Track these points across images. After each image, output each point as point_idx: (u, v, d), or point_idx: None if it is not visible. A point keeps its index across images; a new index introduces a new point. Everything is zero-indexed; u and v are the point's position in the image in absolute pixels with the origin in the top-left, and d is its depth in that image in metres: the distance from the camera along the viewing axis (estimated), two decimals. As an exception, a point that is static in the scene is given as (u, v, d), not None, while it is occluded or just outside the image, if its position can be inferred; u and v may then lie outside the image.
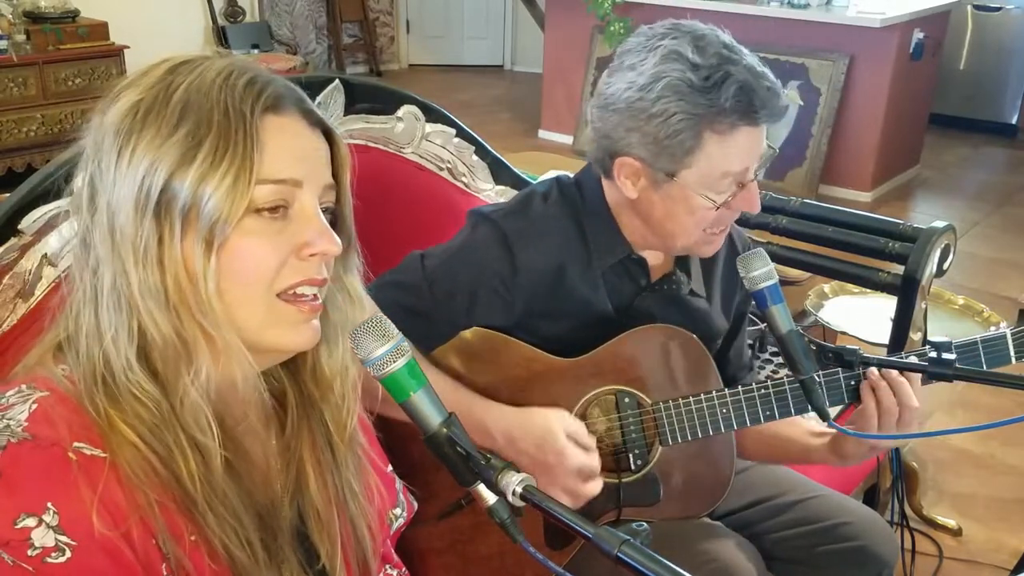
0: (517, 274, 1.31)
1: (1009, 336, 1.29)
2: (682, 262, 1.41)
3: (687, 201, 1.25)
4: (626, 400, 1.35)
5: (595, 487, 1.24)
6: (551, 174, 2.01)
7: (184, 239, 0.77)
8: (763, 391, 1.32)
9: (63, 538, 0.72)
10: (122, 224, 0.77)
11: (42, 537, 0.71)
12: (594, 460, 1.24)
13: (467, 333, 1.35)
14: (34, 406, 0.76)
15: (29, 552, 0.71)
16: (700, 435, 1.33)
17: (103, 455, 0.76)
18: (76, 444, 0.75)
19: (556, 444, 1.21)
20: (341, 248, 0.84)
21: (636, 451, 1.35)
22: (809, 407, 1.24)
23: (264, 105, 0.79)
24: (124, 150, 0.77)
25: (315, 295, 0.83)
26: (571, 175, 1.43)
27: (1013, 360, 1.30)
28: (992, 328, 2.48)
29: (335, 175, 0.86)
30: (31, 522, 0.71)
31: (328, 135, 0.86)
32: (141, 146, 0.76)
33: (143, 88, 0.78)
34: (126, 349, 0.77)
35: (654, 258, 1.38)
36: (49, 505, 0.72)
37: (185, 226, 0.76)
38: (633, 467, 1.35)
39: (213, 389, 0.81)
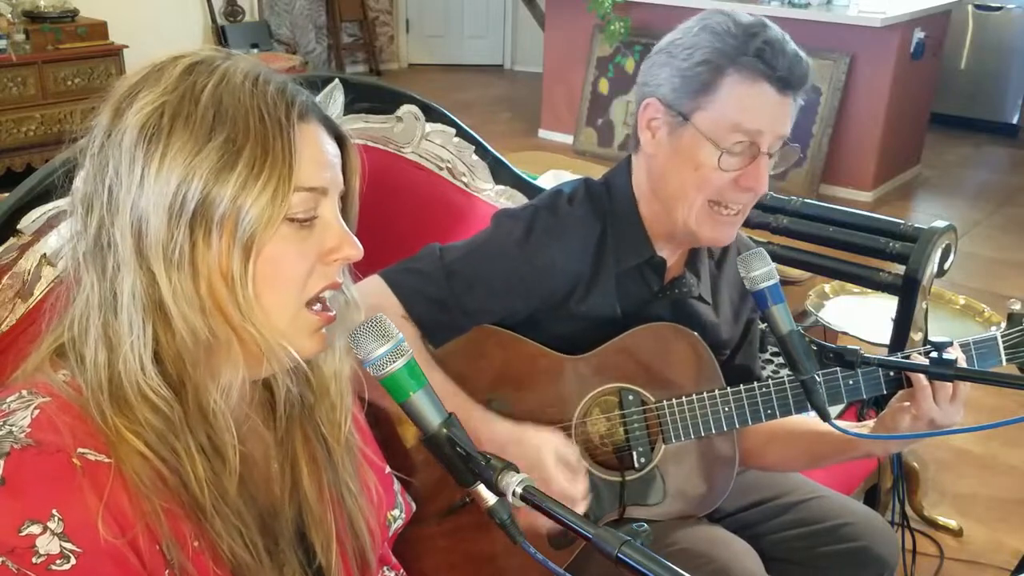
0: (537, 272, 1.31)
1: (999, 338, 1.30)
2: (692, 264, 1.41)
3: (695, 153, 1.25)
4: (630, 397, 1.35)
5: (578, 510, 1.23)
6: (551, 174, 2.02)
7: (220, 245, 0.76)
8: (764, 390, 1.33)
9: (68, 545, 0.71)
10: (152, 230, 0.75)
11: (47, 544, 0.71)
12: (578, 489, 1.21)
13: (474, 330, 1.35)
14: (36, 412, 0.75)
15: (34, 559, 0.70)
16: (703, 433, 1.34)
17: (108, 460, 0.75)
18: (80, 450, 0.75)
19: (544, 470, 1.19)
20: (362, 253, 0.84)
21: (640, 448, 1.35)
22: (809, 406, 1.24)
23: (297, 114, 0.80)
24: (152, 155, 0.75)
25: (328, 304, 0.84)
26: (595, 178, 1.42)
27: (1003, 362, 1.31)
28: (993, 328, 2.48)
29: (344, 180, 0.86)
30: (36, 529, 0.71)
31: (340, 141, 0.86)
32: (172, 151, 0.75)
33: (164, 89, 0.77)
34: (142, 354, 0.77)
35: (670, 257, 1.39)
36: (54, 512, 0.72)
37: (221, 232, 0.76)
38: (636, 465, 1.35)
39: (235, 393, 0.82)
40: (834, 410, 1.29)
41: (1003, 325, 2.52)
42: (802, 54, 1.25)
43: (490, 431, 1.24)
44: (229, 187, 0.75)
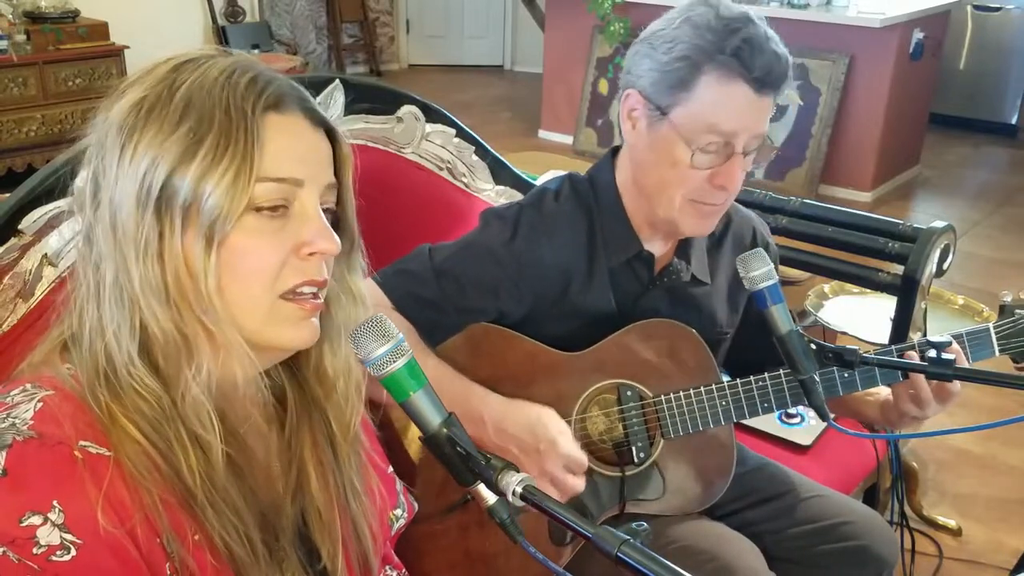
0: (526, 271, 1.32)
1: (992, 329, 1.31)
2: (681, 250, 1.41)
3: (671, 150, 1.26)
4: (628, 393, 1.36)
5: (580, 482, 1.25)
6: (551, 174, 2.02)
7: (185, 235, 0.77)
8: (761, 384, 1.34)
9: (68, 536, 0.72)
10: (124, 220, 0.77)
11: (47, 535, 0.71)
12: (583, 454, 1.25)
13: (472, 328, 1.35)
14: (39, 405, 0.76)
15: (34, 550, 0.71)
16: (701, 427, 1.35)
17: (108, 454, 0.76)
18: (82, 443, 0.75)
19: (548, 432, 1.23)
20: (340, 248, 0.84)
21: (639, 444, 1.36)
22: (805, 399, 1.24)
23: (266, 103, 0.80)
24: (127, 147, 0.77)
25: (315, 293, 0.84)
26: (580, 173, 1.43)
27: (996, 353, 1.32)
28: (992, 327, 2.48)
29: (337, 175, 0.86)
30: (36, 520, 0.71)
31: (331, 134, 0.86)
32: (143, 143, 0.77)
33: (147, 86, 0.79)
34: (128, 344, 0.78)
35: (658, 249, 1.39)
36: (55, 503, 0.72)
37: (186, 222, 0.77)
38: (636, 460, 1.36)
39: (215, 385, 0.82)
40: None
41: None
42: (781, 52, 1.23)
43: (489, 406, 1.26)
44: (190, 174, 0.76)
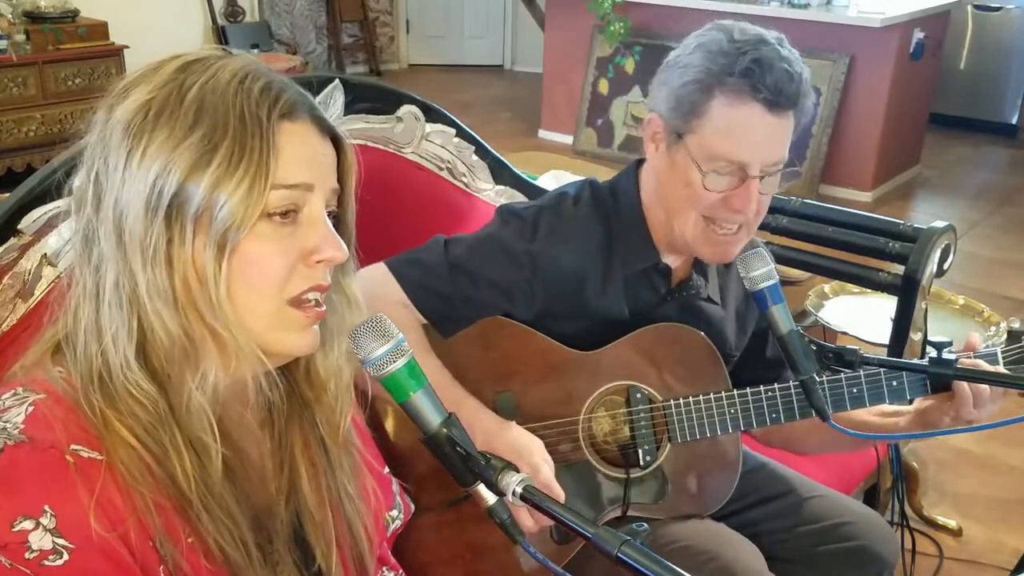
0: (540, 272, 1.32)
1: (999, 353, 1.31)
2: (699, 266, 1.41)
3: (686, 172, 1.26)
4: (638, 396, 1.36)
5: (547, 520, 1.23)
6: (551, 174, 2.02)
7: (195, 241, 0.76)
8: (770, 394, 1.34)
9: (60, 541, 0.72)
10: (131, 224, 0.76)
11: (39, 540, 0.71)
12: (560, 491, 1.21)
13: (486, 321, 1.35)
14: (31, 408, 0.76)
15: (27, 555, 0.71)
16: (709, 434, 1.35)
17: (100, 458, 0.75)
18: (73, 447, 0.75)
19: (533, 458, 1.21)
20: (347, 255, 0.84)
21: (645, 447, 1.36)
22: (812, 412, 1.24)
23: (280, 112, 0.79)
24: (135, 149, 0.76)
25: (319, 300, 0.84)
26: (599, 180, 1.43)
27: None
28: (992, 328, 2.49)
29: (340, 181, 0.86)
30: (28, 525, 0.71)
31: (336, 142, 0.86)
32: (153, 146, 0.76)
33: (154, 86, 0.77)
34: (125, 347, 0.77)
35: (675, 262, 1.39)
36: (46, 508, 0.72)
37: (197, 229, 0.76)
38: (642, 463, 1.36)
39: (214, 390, 0.81)
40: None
41: (1003, 326, 2.52)
42: (794, 71, 1.22)
43: (480, 421, 1.25)
44: (204, 182, 0.75)
